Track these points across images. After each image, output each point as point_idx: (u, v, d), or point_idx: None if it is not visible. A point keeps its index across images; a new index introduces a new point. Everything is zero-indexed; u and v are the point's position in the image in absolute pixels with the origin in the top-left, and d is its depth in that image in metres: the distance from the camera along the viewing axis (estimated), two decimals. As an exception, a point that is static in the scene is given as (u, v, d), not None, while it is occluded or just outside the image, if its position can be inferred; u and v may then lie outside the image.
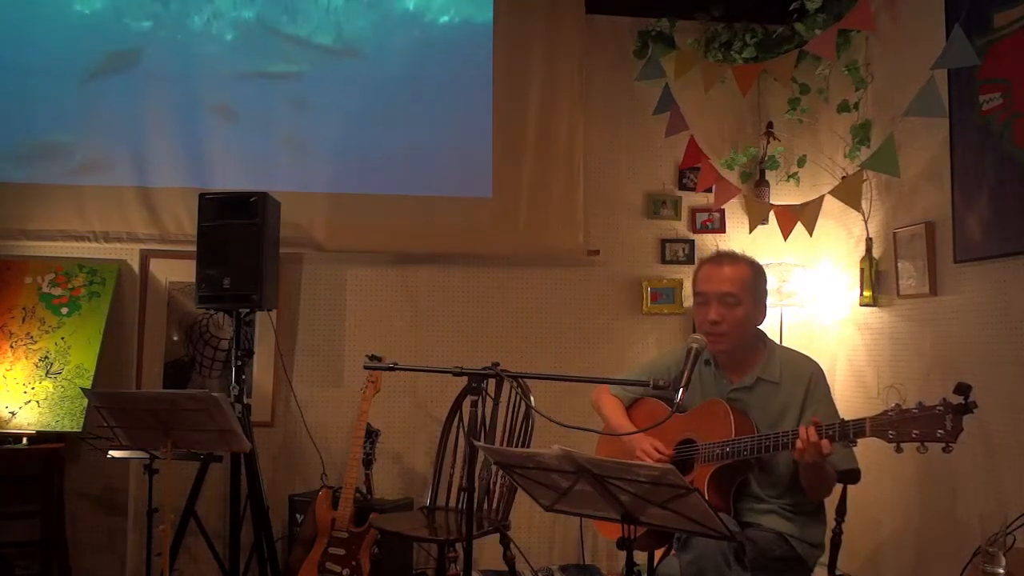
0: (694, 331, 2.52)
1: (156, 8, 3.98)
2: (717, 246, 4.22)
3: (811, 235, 3.88)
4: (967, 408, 2.03)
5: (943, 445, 2.05)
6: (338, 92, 4.08)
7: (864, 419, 2.18)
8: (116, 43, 3.96)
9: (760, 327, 2.62)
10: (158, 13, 3.99)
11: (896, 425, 2.12)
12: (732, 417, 2.44)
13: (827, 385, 2.56)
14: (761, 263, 2.65)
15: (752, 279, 2.56)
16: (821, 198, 3.79)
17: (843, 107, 3.85)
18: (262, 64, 4.04)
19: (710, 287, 2.53)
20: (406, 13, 4.14)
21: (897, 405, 2.14)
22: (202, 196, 3.58)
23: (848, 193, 3.65)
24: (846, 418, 2.29)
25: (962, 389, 2.02)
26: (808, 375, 2.53)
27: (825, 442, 2.20)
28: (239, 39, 4.04)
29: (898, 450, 2.12)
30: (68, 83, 3.91)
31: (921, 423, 2.08)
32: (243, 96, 4.02)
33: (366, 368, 3.05)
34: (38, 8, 3.92)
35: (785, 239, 3.96)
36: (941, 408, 2.06)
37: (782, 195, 4.22)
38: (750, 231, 4.15)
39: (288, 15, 4.06)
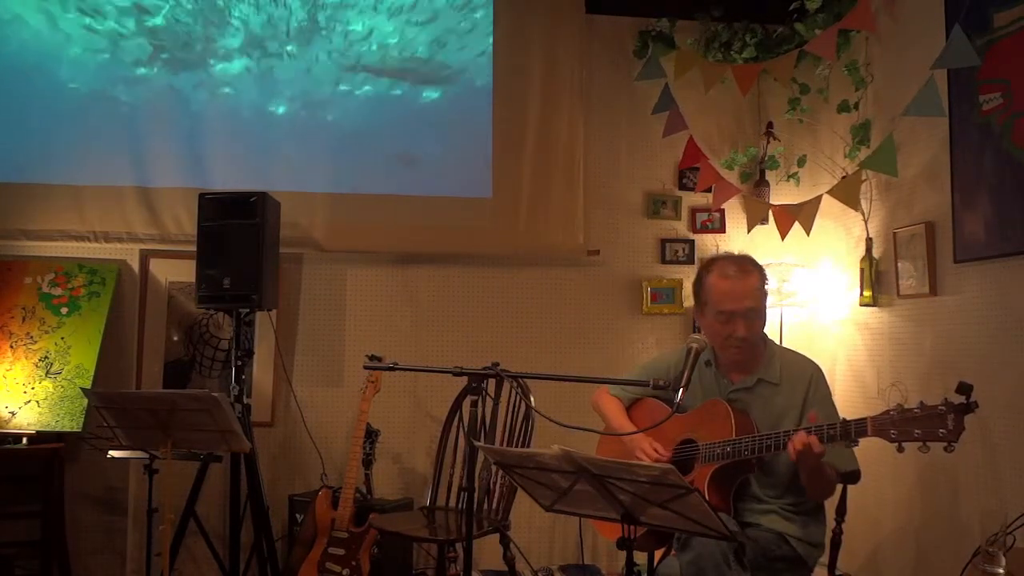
0: (694, 331, 2.52)
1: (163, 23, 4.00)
2: (717, 246, 4.22)
3: (808, 234, 3.88)
4: (969, 407, 2.03)
5: (945, 445, 2.06)
6: (338, 91, 4.08)
7: (866, 419, 2.18)
8: (120, 51, 3.97)
9: None
10: (164, 29, 4.00)
11: (898, 425, 2.12)
12: (733, 417, 2.44)
13: (827, 386, 2.57)
14: (761, 263, 2.64)
15: (763, 285, 2.57)
16: (819, 198, 3.79)
17: (843, 107, 3.85)
18: (263, 63, 4.05)
19: (736, 306, 2.49)
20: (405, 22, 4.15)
21: (899, 405, 2.15)
22: (202, 196, 3.57)
23: (846, 193, 3.65)
24: (847, 418, 2.29)
25: (964, 388, 2.02)
26: (809, 376, 2.53)
27: (814, 439, 2.21)
28: (242, 41, 4.04)
29: (900, 450, 2.12)
30: (69, 84, 3.92)
31: (923, 423, 2.09)
32: (243, 96, 4.03)
33: (366, 368, 3.05)
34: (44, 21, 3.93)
35: (783, 239, 3.96)
36: (943, 408, 2.06)
37: (782, 195, 4.22)
38: (748, 231, 4.15)
39: (290, 23, 4.07)
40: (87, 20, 3.94)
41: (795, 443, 2.23)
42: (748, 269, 2.56)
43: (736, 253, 2.67)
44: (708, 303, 2.56)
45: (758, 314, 2.52)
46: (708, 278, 2.58)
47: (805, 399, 2.50)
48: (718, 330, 2.54)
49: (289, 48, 4.07)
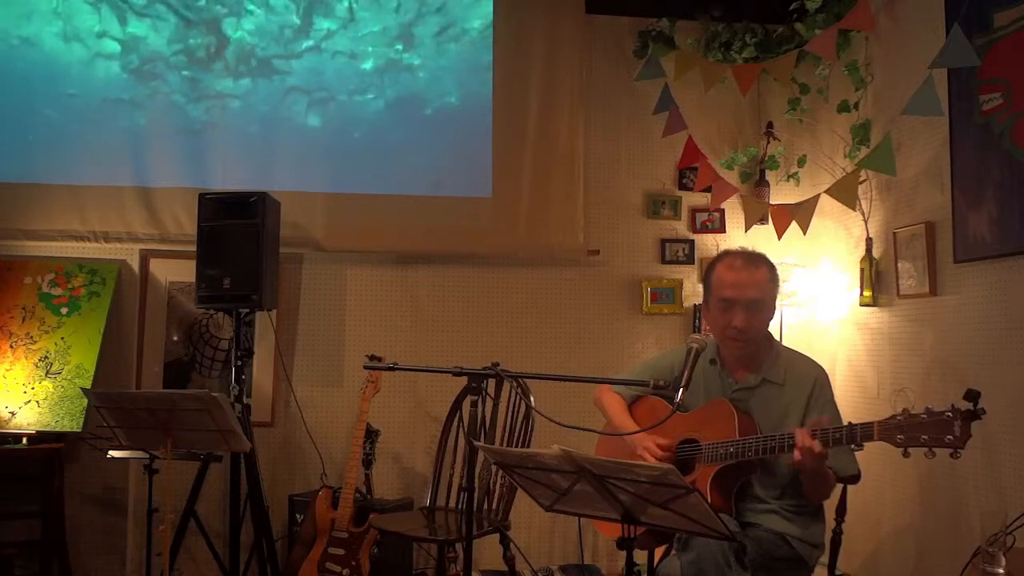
0: (694, 331, 2.51)
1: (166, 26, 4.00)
2: (717, 247, 4.22)
3: (804, 233, 3.87)
4: (976, 415, 2.02)
5: (951, 451, 2.05)
6: (339, 92, 4.08)
7: (872, 423, 2.18)
8: (124, 54, 3.97)
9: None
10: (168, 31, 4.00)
11: (905, 430, 2.11)
12: (736, 417, 2.44)
13: (831, 390, 2.56)
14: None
15: (771, 280, 2.56)
16: (816, 197, 3.78)
17: (843, 107, 3.85)
18: (264, 66, 4.05)
19: (738, 294, 2.49)
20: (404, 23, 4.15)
21: (905, 410, 2.14)
22: (202, 196, 3.58)
23: (844, 192, 3.64)
24: (848, 419, 2.29)
25: (972, 395, 2.01)
26: (813, 379, 2.53)
27: (816, 443, 2.21)
28: (243, 44, 4.04)
29: (906, 454, 2.12)
30: (71, 87, 3.92)
31: (930, 429, 2.08)
32: (244, 98, 4.03)
33: (366, 368, 3.05)
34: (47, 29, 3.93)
35: (779, 238, 3.95)
36: (950, 414, 2.06)
37: (782, 195, 4.22)
38: (746, 230, 4.16)
39: (291, 27, 4.07)
40: (91, 25, 3.94)
41: (797, 443, 2.23)
42: (756, 263, 2.56)
43: (749, 249, 2.66)
44: (712, 291, 2.58)
45: (761, 307, 2.51)
46: (716, 268, 2.60)
47: (808, 401, 2.50)
48: (718, 319, 2.54)
49: (290, 51, 4.06)
